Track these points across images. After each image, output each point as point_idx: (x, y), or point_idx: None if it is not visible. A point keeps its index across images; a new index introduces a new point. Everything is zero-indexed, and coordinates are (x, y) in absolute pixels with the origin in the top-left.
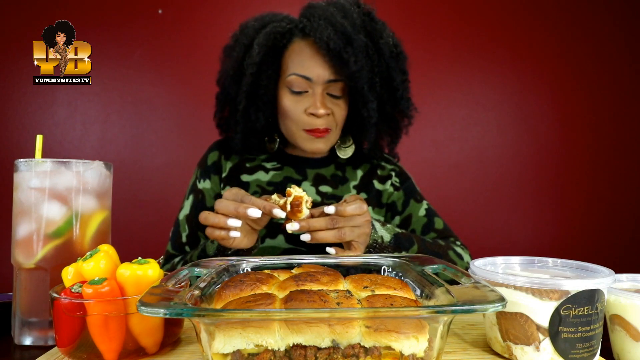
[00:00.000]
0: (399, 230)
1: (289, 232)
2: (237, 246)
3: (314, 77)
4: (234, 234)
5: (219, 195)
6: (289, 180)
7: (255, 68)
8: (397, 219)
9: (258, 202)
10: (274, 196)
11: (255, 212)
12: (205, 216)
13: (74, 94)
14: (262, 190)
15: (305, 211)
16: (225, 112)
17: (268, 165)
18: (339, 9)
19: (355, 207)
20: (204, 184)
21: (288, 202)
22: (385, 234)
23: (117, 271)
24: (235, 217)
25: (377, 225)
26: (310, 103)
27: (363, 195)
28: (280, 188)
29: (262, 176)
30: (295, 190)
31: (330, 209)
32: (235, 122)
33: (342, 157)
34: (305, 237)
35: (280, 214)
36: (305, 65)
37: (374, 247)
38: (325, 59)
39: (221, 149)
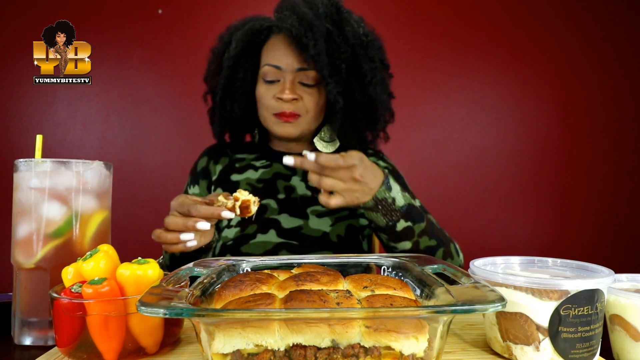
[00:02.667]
0: (416, 203)
1: (284, 163)
2: (196, 246)
3: (283, 66)
4: (191, 244)
5: None
6: (279, 176)
7: (232, 62)
8: None
9: (205, 211)
10: (221, 197)
11: (204, 225)
12: (157, 235)
13: (74, 94)
14: (252, 188)
15: (253, 209)
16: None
17: (257, 163)
18: (305, 1)
19: (329, 158)
20: (193, 190)
21: (237, 207)
22: (399, 198)
23: (117, 271)
24: (186, 231)
25: (396, 188)
26: (279, 89)
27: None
28: (270, 184)
29: (251, 174)
30: (242, 195)
31: (310, 156)
32: (214, 113)
33: (322, 150)
34: (289, 160)
35: (229, 215)
36: (277, 56)
37: (382, 204)
38: (292, 47)
39: (210, 154)
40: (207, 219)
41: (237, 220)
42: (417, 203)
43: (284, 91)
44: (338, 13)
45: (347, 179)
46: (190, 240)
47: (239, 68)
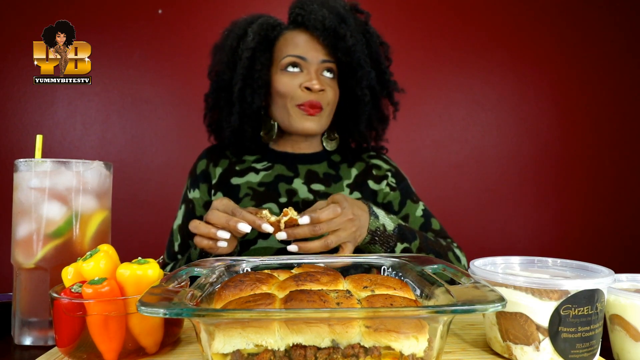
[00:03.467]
0: (403, 222)
1: (278, 240)
2: (219, 253)
3: (308, 57)
4: (222, 244)
5: (208, 204)
6: (281, 179)
7: (251, 53)
8: None
9: (248, 217)
10: (265, 212)
11: (245, 227)
12: (195, 225)
13: (74, 94)
14: (254, 192)
15: None
16: (215, 111)
17: (258, 165)
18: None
19: (328, 212)
20: (194, 194)
21: (282, 222)
22: (388, 222)
23: (117, 271)
24: (224, 229)
25: (381, 214)
26: (306, 79)
27: (356, 195)
28: (272, 188)
29: (252, 177)
30: (291, 212)
31: (304, 220)
32: (231, 106)
33: (328, 148)
34: (293, 248)
35: (269, 228)
36: (300, 48)
37: (377, 234)
38: (319, 40)
39: (209, 156)
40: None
41: None
42: (421, 207)
43: (312, 81)
44: (357, 13)
45: (344, 223)
46: (223, 240)
47: (256, 60)
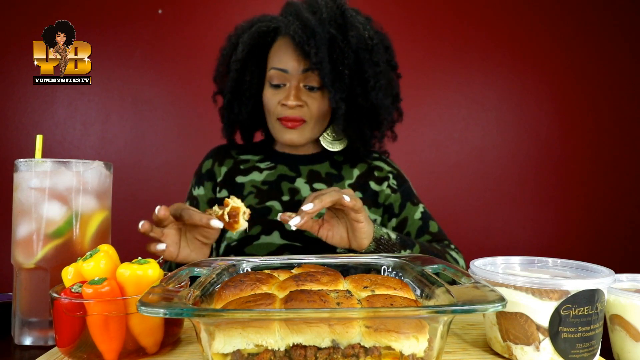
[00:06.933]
0: (419, 210)
1: (293, 228)
2: (186, 260)
3: (289, 69)
4: (160, 246)
5: (212, 201)
6: (283, 178)
7: (239, 65)
8: (393, 221)
9: (195, 216)
10: (215, 207)
11: (161, 211)
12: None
13: (74, 94)
14: (257, 190)
15: (242, 222)
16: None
17: (262, 165)
18: (310, 4)
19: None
20: (198, 191)
21: (225, 213)
22: (390, 232)
23: (117, 271)
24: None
25: (383, 227)
26: (284, 95)
27: (358, 195)
28: (275, 186)
29: (256, 176)
30: (233, 201)
31: (308, 207)
32: (222, 116)
33: (330, 149)
34: (295, 221)
35: (218, 224)
36: (283, 60)
37: (381, 243)
38: (297, 52)
39: (215, 156)
40: (196, 225)
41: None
42: (420, 209)
43: (289, 97)
44: (342, 17)
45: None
46: (160, 244)
47: (246, 71)
